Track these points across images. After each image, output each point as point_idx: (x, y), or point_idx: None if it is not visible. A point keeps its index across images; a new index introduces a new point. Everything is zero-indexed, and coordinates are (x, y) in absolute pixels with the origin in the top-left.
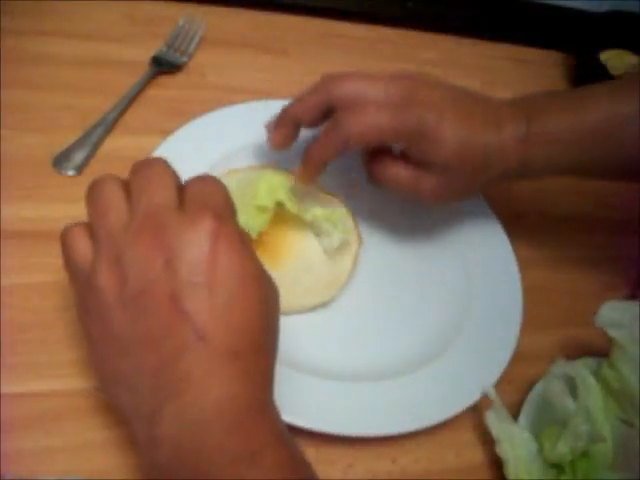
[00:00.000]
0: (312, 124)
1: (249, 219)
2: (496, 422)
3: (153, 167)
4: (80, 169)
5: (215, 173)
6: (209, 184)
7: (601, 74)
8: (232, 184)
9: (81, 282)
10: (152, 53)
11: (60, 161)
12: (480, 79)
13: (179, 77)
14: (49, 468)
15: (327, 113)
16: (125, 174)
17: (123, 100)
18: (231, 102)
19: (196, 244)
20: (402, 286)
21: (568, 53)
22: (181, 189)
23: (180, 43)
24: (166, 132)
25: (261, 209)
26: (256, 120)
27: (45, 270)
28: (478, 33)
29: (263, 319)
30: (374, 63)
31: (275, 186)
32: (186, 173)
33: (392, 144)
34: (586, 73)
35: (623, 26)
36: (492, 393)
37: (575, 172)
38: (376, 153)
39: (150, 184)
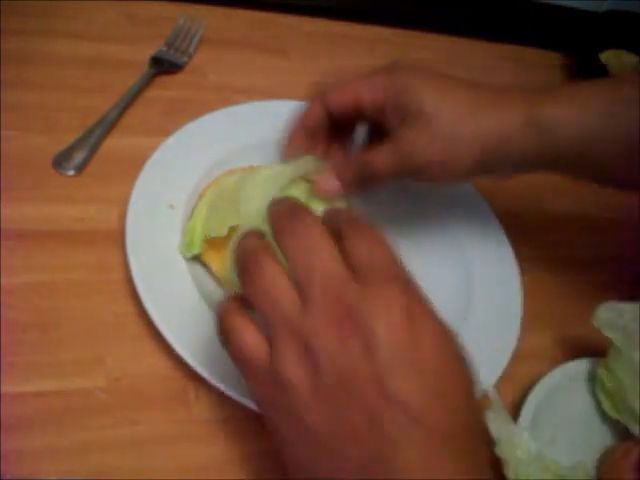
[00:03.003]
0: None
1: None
2: (496, 422)
3: (308, 231)
4: (80, 169)
5: (215, 173)
6: (376, 245)
7: (601, 74)
8: (232, 183)
9: (260, 379)
10: (152, 53)
11: (60, 161)
12: (480, 79)
13: (179, 77)
14: (49, 468)
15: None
16: (125, 174)
17: (123, 100)
18: (231, 102)
19: (393, 324)
20: None
21: (568, 53)
22: (344, 252)
23: (180, 43)
24: (166, 132)
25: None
26: (256, 120)
27: (45, 270)
28: (478, 33)
29: (471, 397)
30: (374, 63)
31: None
32: (186, 173)
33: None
34: (586, 73)
35: (623, 26)
36: (492, 393)
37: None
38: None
39: (313, 255)
